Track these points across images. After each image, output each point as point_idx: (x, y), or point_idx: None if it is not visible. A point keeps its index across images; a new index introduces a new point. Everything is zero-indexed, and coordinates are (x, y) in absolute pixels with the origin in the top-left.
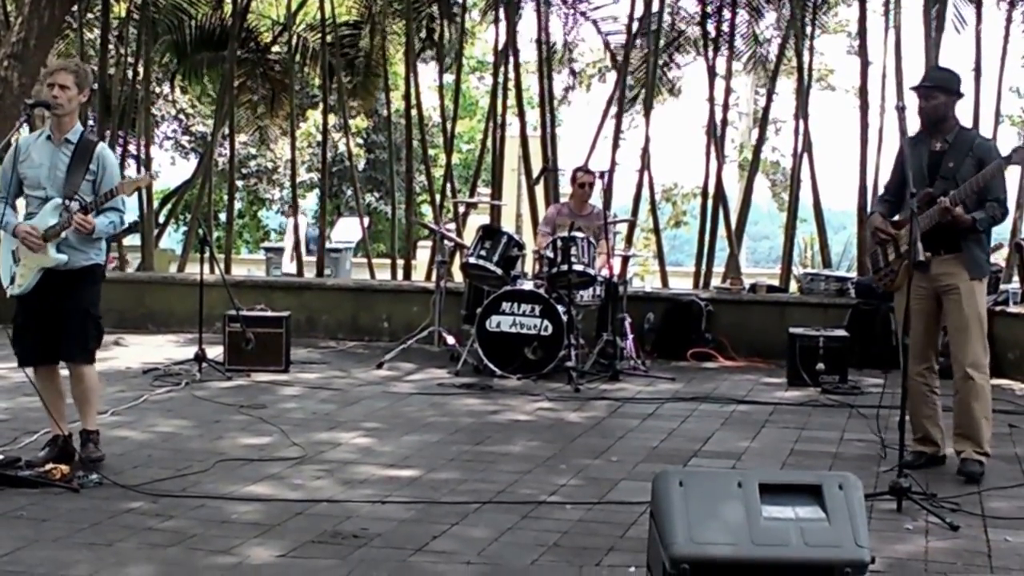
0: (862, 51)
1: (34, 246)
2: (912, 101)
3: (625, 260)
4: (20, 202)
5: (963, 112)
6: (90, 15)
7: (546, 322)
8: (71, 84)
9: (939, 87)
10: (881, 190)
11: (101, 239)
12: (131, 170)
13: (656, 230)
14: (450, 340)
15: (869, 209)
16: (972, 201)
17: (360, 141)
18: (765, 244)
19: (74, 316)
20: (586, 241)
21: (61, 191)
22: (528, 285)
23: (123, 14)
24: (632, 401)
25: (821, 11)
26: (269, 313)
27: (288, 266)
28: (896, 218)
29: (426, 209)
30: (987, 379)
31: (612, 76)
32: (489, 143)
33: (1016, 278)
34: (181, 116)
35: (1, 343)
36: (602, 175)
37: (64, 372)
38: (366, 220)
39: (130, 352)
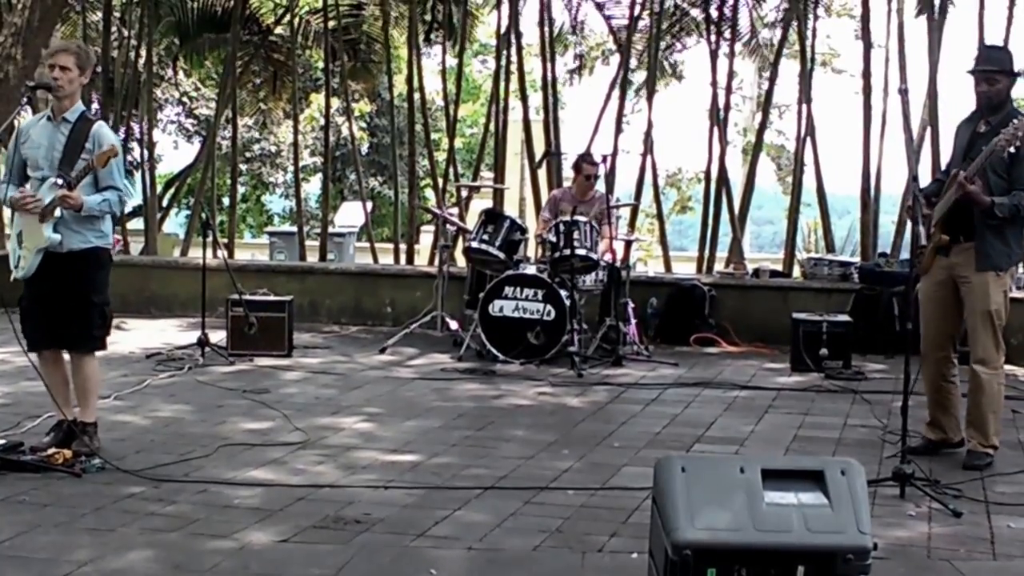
0: (865, 34)
1: (30, 208)
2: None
3: (628, 245)
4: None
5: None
6: None
7: (549, 307)
8: (72, 65)
9: (1002, 71)
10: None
11: (102, 220)
12: (135, 154)
13: (659, 215)
14: (453, 325)
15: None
16: (999, 186)
17: (363, 125)
18: (769, 229)
19: (74, 303)
20: (589, 225)
21: (57, 170)
22: (531, 270)
23: None
24: (635, 386)
25: None
26: (272, 297)
27: None
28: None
29: (429, 193)
30: (996, 375)
31: (616, 59)
32: (492, 127)
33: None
34: (184, 99)
35: (3, 327)
36: (605, 159)
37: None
38: (369, 204)
39: (132, 336)
